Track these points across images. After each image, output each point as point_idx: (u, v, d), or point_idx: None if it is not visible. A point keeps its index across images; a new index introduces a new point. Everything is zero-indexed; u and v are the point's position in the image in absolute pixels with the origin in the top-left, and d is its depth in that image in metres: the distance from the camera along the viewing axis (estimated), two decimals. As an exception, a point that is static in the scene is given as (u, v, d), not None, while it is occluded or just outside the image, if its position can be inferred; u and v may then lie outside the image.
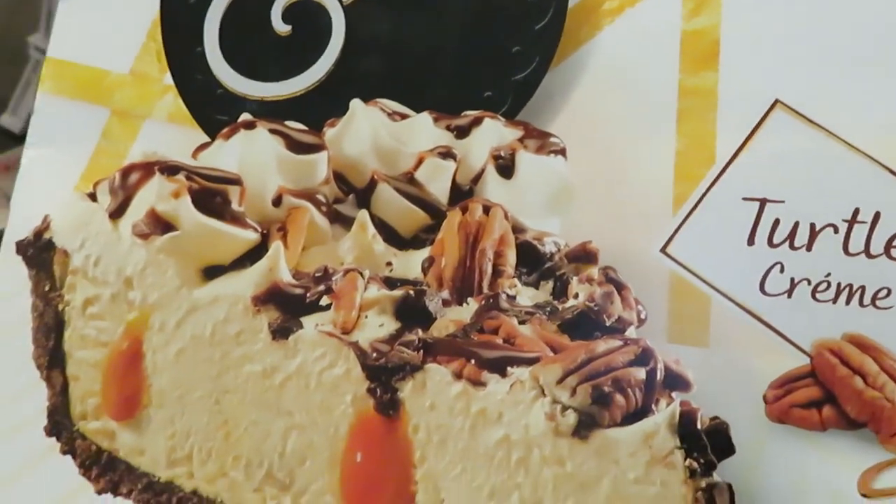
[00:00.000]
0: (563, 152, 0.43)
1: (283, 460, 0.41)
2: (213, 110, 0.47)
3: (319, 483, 0.40)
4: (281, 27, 0.47)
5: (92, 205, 0.44)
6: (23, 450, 0.45)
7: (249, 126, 0.44)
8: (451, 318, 0.39)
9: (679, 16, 0.43)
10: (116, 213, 0.43)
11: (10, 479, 0.44)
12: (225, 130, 0.44)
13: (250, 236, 0.41)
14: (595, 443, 0.34)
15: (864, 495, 0.38)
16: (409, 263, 0.42)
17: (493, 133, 0.44)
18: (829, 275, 0.39)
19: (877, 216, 0.39)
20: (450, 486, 0.37)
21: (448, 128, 0.44)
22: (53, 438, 0.45)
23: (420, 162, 0.43)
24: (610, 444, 0.34)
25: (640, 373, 0.34)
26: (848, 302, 0.39)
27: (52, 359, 0.46)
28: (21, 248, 0.46)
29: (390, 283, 0.40)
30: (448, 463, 0.37)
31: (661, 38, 0.43)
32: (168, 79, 0.48)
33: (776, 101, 0.41)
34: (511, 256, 0.40)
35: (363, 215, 0.42)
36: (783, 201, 0.40)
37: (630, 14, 0.44)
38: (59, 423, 0.46)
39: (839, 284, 0.39)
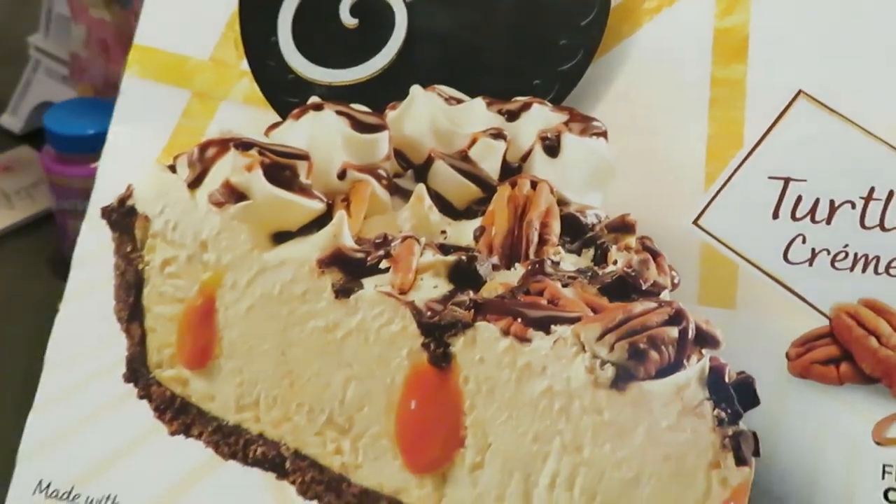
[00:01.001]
0: (604, 135, 0.43)
1: (343, 407, 0.41)
2: (285, 94, 0.47)
3: (376, 428, 0.41)
4: (349, 20, 0.47)
5: (172, 176, 0.45)
6: (103, 394, 0.45)
7: (318, 108, 0.44)
8: (499, 282, 0.39)
9: (712, 14, 0.43)
10: (194, 184, 0.43)
11: (91, 420, 0.44)
12: (295, 111, 0.45)
13: (316, 206, 0.42)
14: (631, 394, 0.35)
15: (878, 443, 0.38)
16: (462, 232, 0.42)
17: (540, 117, 0.44)
18: (846, 246, 0.40)
19: (891, 194, 0.39)
20: (497, 432, 0.38)
21: (500, 112, 0.44)
22: (131, 384, 0.46)
23: (473, 142, 0.43)
24: (645, 395, 0.34)
25: (673, 331, 0.35)
26: (864, 270, 0.39)
27: (131, 313, 0.46)
28: (106, 213, 0.46)
29: (444, 249, 0.41)
30: (495, 411, 0.38)
31: (695, 34, 0.43)
32: (244, 65, 0.48)
33: (800, 92, 0.41)
34: (556, 227, 0.41)
35: (420, 188, 0.42)
36: (805, 180, 0.40)
37: (667, 13, 0.44)
38: (137, 371, 0.46)
39: (856, 254, 0.39)
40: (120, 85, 0.60)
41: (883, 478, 0.38)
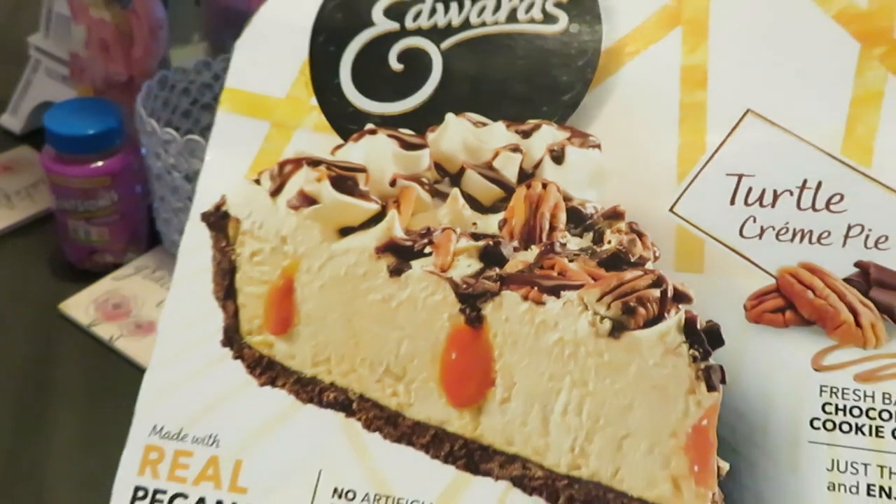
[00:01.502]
0: (598, 146, 0.48)
1: (398, 360, 0.45)
2: (346, 122, 0.51)
3: (424, 374, 0.45)
4: (396, 65, 0.52)
5: (257, 187, 0.49)
6: (204, 356, 0.49)
7: (373, 132, 0.49)
8: (519, 260, 0.44)
9: (679, 54, 0.48)
10: (275, 193, 0.48)
11: (196, 377, 0.48)
12: (354, 135, 0.49)
13: (373, 207, 0.46)
14: (625, 341, 0.39)
15: (816, 370, 0.42)
16: (489, 223, 0.46)
17: (548, 135, 0.48)
18: (787, 223, 0.44)
19: (819, 184, 0.44)
20: (520, 373, 0.42)
21: (516, 132, 0.49)
22: (227, 348, 0.50)
23: (496, 155, 0.48)
24: (635, 341, 0.39)
25: (656, 292, 0.40)
26: (801, 241, 0.44)
27: (226, 293, 0.50)
28: (205, 217, 0.51)
29: (475, 236, 0.45)
30: (519, 357, 0.42)
31: (666, 69, 0.48)
32: (314, 101, 0.52)
33: (748, 110, 0.46)
34: (562, 217, 0.45)
35: (455, 191, 0.47)
36: (754, 175, 0.45)
37: (644, 54, 0.49)
38: (232, 338, 0.50)
39: (794, 229, 0.44)
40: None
41: (820, 395, 0.42)
